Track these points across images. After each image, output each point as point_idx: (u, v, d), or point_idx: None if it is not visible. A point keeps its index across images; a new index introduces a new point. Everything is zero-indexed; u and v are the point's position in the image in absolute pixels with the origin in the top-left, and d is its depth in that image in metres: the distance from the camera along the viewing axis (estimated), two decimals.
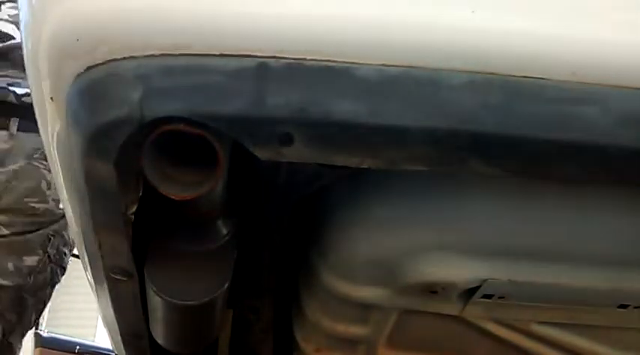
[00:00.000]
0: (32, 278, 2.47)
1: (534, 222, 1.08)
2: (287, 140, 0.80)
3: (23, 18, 0.92)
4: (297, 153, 0.81)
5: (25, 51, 0.94)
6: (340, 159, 0.84)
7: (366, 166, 0.85)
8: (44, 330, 5.29)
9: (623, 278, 1.13)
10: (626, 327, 1.29)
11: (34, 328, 5.12)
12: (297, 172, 1.07)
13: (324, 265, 1.19)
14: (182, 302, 1.07)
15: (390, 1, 0.79)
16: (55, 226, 2.51)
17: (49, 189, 2.44)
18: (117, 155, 0.83)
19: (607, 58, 0.81)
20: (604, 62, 0.81)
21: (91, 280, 1.28)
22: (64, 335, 5.40)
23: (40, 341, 4.89)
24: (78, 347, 4.96)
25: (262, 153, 0.82)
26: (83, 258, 1.24)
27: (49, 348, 4.83)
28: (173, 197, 0.88)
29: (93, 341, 6.29)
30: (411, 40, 0.79)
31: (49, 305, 2.81)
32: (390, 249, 1.11)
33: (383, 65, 0.79)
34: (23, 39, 0.95)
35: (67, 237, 2.56)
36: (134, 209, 0.96)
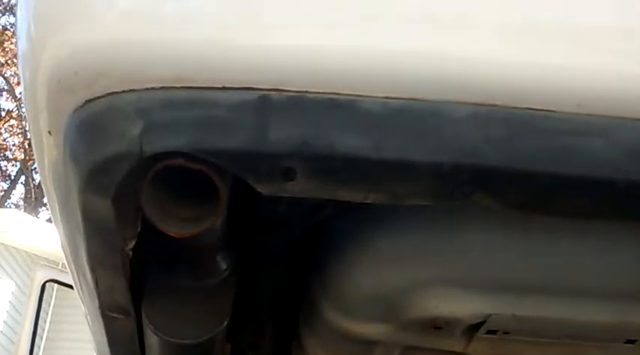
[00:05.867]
0: None
1: (538, 257, 1.06)
2: (290, 175, 0.78)
3: (21, 47, 0.90)
4: (300, 188, 0.80)
5: (22, 81, 0.92)
6: (344, 195, 0.82)
7: (369, 201, 0.83)
8: None
9: (630, 313, 1.11)
10: None
11: None
12: (298, 205, 1.05)
13: (326, 300, 1.16)
14: (180, 342, 1.05)
15: (392, 33, 0.78)
16: None
17: None
18: (115, 191, 0.81)
19: (613, 88, 0.79)
20: (610, 93, 0.79)
21: (87, 316, 1.26)
22: None
23: None
24: None
25: (265, 189, 0.80)
26: (79, 293, 1.21)
27: None
28: (172, 235, 0.86)
29: None
30: (414, 71, 0.78)
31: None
32: (393, 285, 1.09)
33: (386, 98, 0.77)
34: (20, 69, 0.93)
35: None
36: (132, 245, 0.94)
